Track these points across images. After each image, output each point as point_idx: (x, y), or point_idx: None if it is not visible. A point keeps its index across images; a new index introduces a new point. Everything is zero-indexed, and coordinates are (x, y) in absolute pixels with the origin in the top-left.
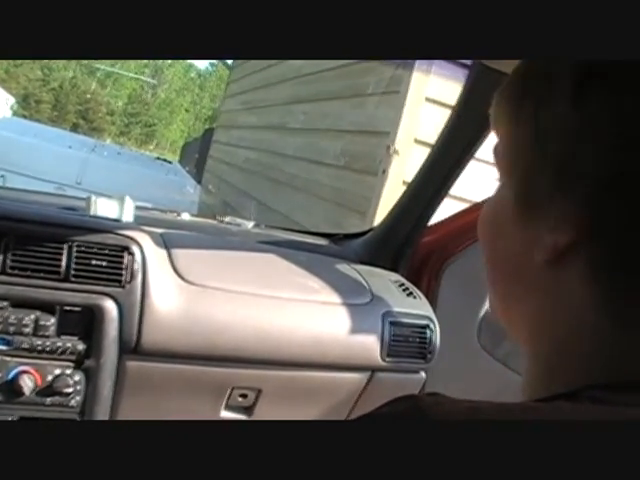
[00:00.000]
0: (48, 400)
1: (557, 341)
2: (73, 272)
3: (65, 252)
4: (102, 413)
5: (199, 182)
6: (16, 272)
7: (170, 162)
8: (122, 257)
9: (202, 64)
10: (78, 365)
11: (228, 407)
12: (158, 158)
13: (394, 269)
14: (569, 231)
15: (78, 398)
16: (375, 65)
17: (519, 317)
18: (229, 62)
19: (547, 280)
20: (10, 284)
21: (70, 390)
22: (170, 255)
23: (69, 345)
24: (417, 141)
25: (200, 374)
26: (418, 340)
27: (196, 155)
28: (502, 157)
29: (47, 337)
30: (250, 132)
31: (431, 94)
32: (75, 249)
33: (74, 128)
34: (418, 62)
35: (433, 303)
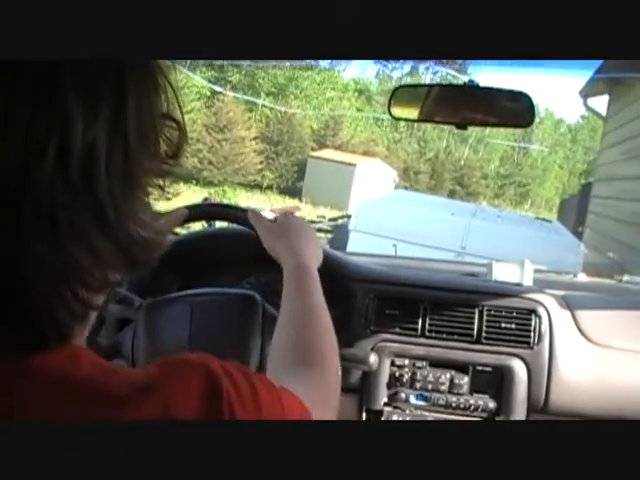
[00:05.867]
0: None
1: None
2: (485, 334)
3: (476, 316)
4: None
5: (580, 239)
6: (433, 335)
7: (550, 221)
8: (530, 320)
9: (573, 118)
10: None
11: None
12: (537, 218)
13: None
14: None
15: None
16: None
17: None
18: (602, 113)
19: None
20: (428, 346)
21: None
22: (574, 317)
23: (481, 403)
24: None
25: None
26: None
27: (575, 212)
28: None
29: (461, 395)
30: (634, 183)
31: None
32: (485, 313)
33: (451, 194)
34: None
35: None
